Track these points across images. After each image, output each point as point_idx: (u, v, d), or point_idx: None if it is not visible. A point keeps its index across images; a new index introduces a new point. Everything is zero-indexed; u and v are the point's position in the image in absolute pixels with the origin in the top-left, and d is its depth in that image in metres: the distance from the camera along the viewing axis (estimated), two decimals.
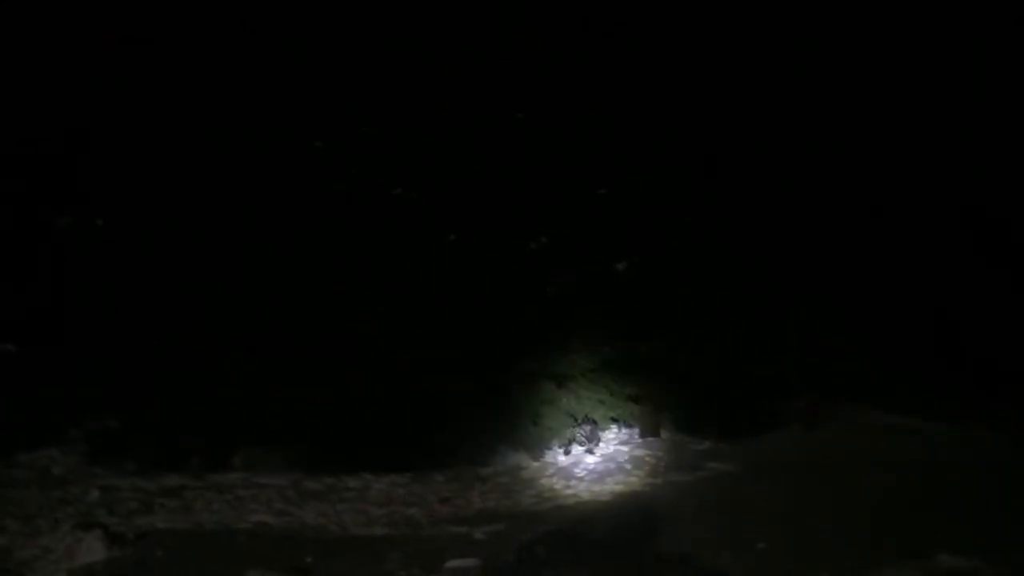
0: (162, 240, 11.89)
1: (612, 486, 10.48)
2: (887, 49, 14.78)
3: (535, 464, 11.18)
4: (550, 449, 11.40)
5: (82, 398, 11.10)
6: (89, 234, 11.93)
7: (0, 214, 11.95)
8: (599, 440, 11.52)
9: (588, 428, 11.46)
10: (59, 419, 10.97)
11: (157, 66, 12.91)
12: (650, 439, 11.85)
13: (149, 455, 10.60)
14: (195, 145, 12.37)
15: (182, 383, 11.13)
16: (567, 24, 13.99)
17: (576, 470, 11.04)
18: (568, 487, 10.52)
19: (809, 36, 14.61)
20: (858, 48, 14.70)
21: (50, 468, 10.42)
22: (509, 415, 11.48)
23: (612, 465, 11.16)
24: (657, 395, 12.04)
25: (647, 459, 11.35)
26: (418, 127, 12.93)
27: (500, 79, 13.33)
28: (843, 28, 14.84)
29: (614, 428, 11.91)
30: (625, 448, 11.64)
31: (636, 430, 11.94)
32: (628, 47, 13.99)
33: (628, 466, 11.16)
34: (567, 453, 11.40)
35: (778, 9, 14.11)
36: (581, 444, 11.38)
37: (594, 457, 11.35)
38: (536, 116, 13.32)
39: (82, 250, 11.72)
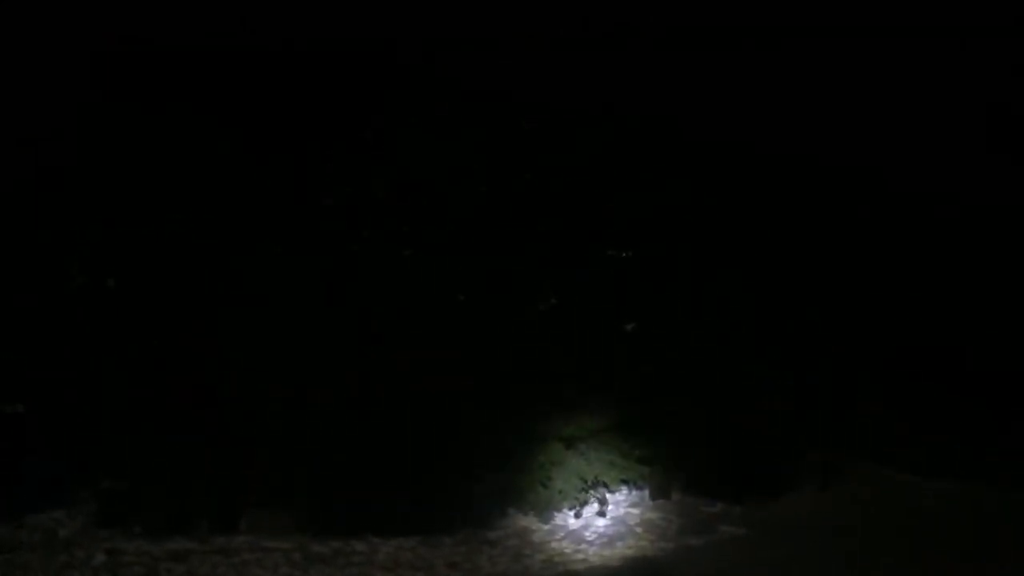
0: (167, 300, 11.93)
1: (623, 550, 10.37)
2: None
3: (545, 527, 11.06)
4: (560, 512, 11.29)
5: (89, 459, 11.07)
6: (98, 293, 11.98)
7: (9, 272, 11.96)
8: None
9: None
10: (66, 481, 10.92)
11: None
12: (661, 501, 11.74)
13: (155, 518, 10.53)
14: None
15: (188, 445, 11.09)
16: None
17: (586, 533, 10.93)
18: (578, 551, 10.41)
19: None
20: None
21: (56, 531, 10.36)
22: (518, 477, 11.38)
23: (623, 528, 11.05)
24: (667, 456, 11.95)
25: (658, 522, 11.23)
26: (425, 188, 13.04)
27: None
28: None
29: (624, 490, 11.80)
30: (636, 511, 11.52)
31: (646, 492, 11.83)
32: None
33: (639, 529, 11.04)
34: (577, 516, 11.27)
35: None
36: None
37: (604, 520, 11.23)
38: (543, 175, 13.41)
39: (92, 312, 11.75)
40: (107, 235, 12.05)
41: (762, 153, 13.87)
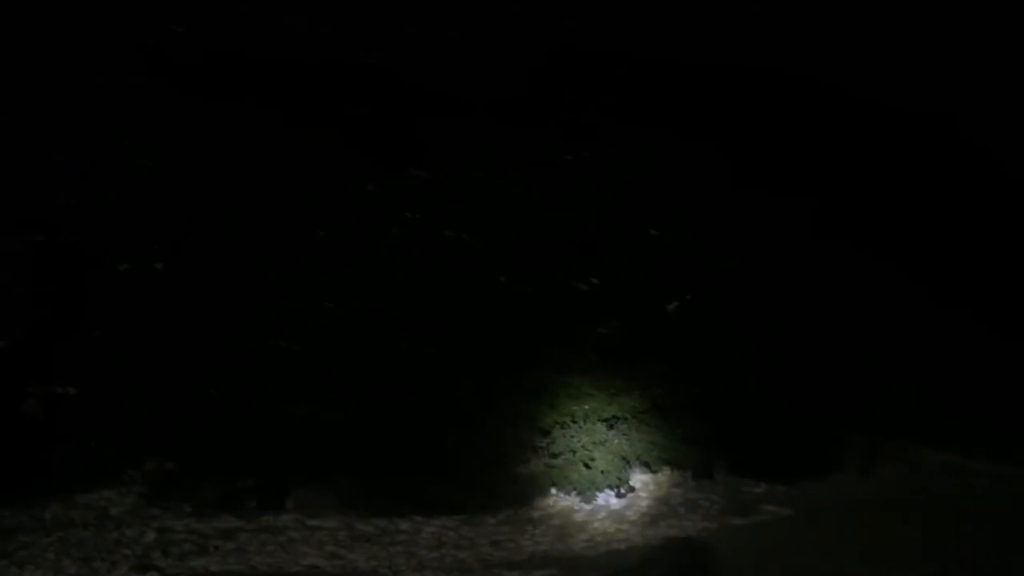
0: (216, 284, 12.06)
1: (665, 530, 10.33)
2: None
3: (587, 507, 11.09)
4: (602, 492, 11.29)
5: (139, 440, 11.26)
6: (147, 278, 12.15)
7: (58, 257, 12.18)
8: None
9: None
10: (117, 461, 11.13)
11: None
12: (704, 481, 11.70)
13: (204, 497, 10.72)
14: (246, 186, 12.54)
15: (236, 425, 11.23)
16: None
17: (628, 513, 10.93)
18: (620, 530, 10.41)
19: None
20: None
21: (108, 510, 10.58)
22: (561, 457, 11.39)
23: (665, 508, 11.05)
24: (710, 437, 11.88)
25: (701, 502, 11.21)
26: (467, 169, 13.00)
27: (549, 122, 13.36)
28: None
29: (666, 470, 11.77)
30: (678, 491, 11.52)
31: (689, 472, 11.79)
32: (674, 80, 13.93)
33: (681, 509, 11.03)
34: (619, 496, 11.27)
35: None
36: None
37: (646, 500, 11.22)
38: (585, 158, 13.31)
39: (140, 294, 11.92)
40: (154, 218, 12.19)
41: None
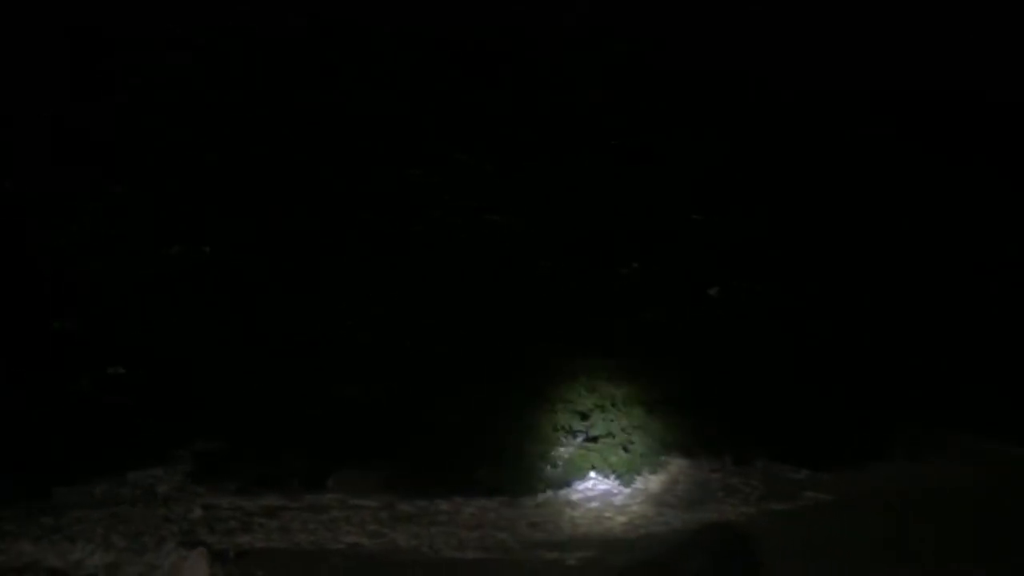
0: (263, 268, 12.25)
1: (704, 514, 10.30)
2: None
3: (626, 490, 11.08)
4: (641, 475, 11.28)
5: (186, 419, 11.51)
6: (196, 261, 12.38)
7: (111, 238, 12.41)
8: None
9: None
10: (164, 439, 11.39)
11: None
12: (744, 466, 11.64)
13: (249, 475, 10.91)
14: (293, 172, 12.69)
15: (282, 407, 11.42)
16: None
17: (668, 497, 10.91)
18: (660, 514, 10.39)
19: None
20: None
21: (155, 487, 10.82)
22: (600, 441, 11.41)
23: (704, 492, 11.00)
24: (750, 422, 11.81)
25: (740, 487, 11.15)
26: (508, 155, 13.03)
27: (591, 108, 13.35)
28: None
29: (706, 454, 11.73)
30: (717, 475, 11.46)
31: (728, 457, 11.73)
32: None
33: (720, 493, 10.98)
34: (659, 479, 11.25)
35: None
36: None
37: (686, 484, 11.19)
38: (628, 146, 13.29)
39: (188, 276, 12.15)
40: (203, 203, 12.41)
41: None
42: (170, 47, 12.99)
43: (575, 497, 10.91)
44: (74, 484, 10.64)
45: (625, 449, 11.36)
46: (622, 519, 10.27)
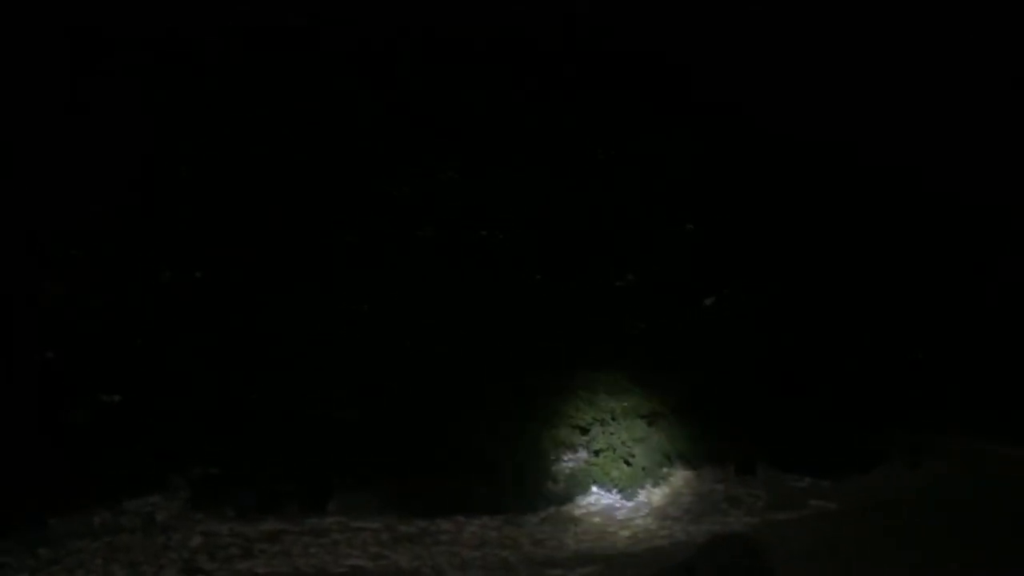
0: (253, 291, 12.18)
1: (709, 526, 10.24)
2: None
3: (629, 504, 11.02)
4: (643, 488, 11.22)
5: (183, 446, 11.39)
6: (187, 286, 12.28)
7: (102, 266, 12.31)
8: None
9: None
10: (162, 466, 11.26)
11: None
12: (747, 476, 11.59)
13: (248, 501, 10.79)
14: (280, 191, 12.61)
15: (278, 431, 11.32)
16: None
17: (671, 509, 10.85)
18: (663, 527, 10.33)
19: None
20: None
21: (154, 515, 10.69)
22: (601, 455, 11.34)
23: (707, 504, 10.95)
24: (752, 432, 11.77)
25: (744, 497, 11.10)
26: (500, 167, 13.00)
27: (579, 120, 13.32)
28: None
29: (708, 466, 11.68)
30: (720, 486, 11.41)
31: (731, 468, 11.68)
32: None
33: (724, 504, 10.93)
34: (661, 492, 11.19)
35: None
36: None
37: (689, 496, 11.13)
38: (618, 153, 13.28)
39: (182, 302, 12.07)
40: (192, 226, 12.33)
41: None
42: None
43: (578, 513, 10.84)
44: (71, 514, 10.50)
45: (627, 463, 11.30)
46: (626, 533, 10.20)
